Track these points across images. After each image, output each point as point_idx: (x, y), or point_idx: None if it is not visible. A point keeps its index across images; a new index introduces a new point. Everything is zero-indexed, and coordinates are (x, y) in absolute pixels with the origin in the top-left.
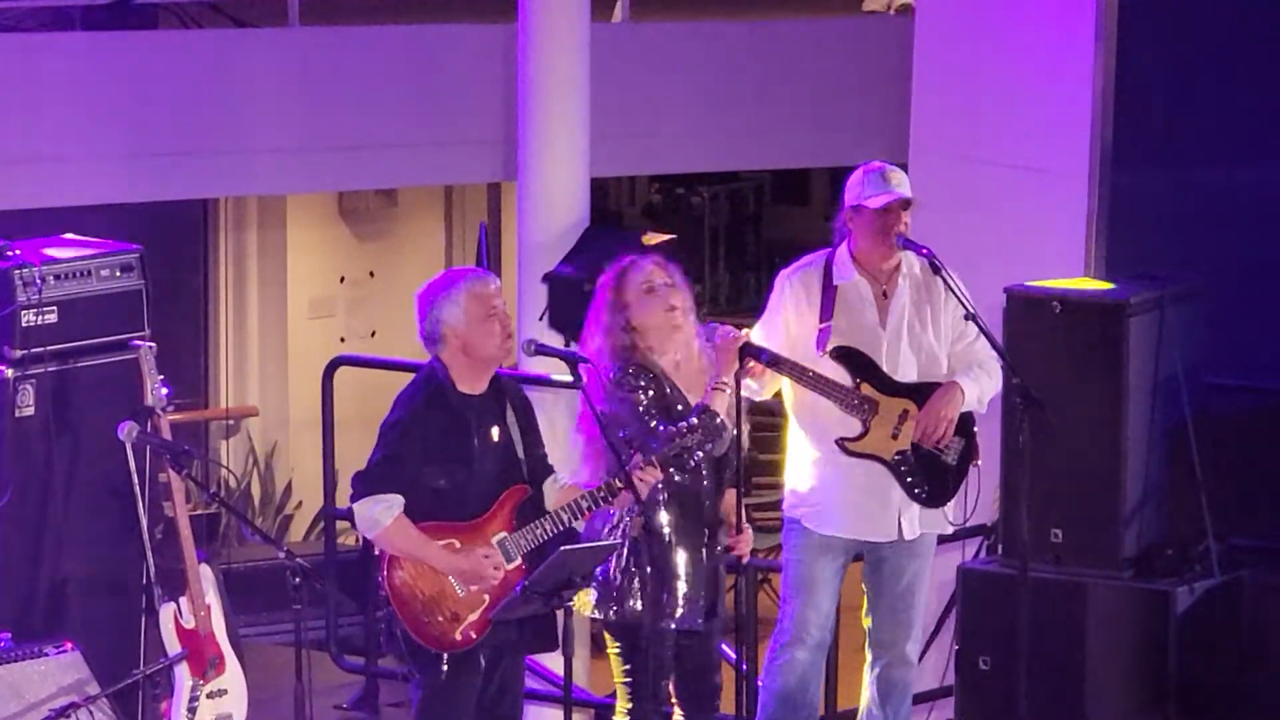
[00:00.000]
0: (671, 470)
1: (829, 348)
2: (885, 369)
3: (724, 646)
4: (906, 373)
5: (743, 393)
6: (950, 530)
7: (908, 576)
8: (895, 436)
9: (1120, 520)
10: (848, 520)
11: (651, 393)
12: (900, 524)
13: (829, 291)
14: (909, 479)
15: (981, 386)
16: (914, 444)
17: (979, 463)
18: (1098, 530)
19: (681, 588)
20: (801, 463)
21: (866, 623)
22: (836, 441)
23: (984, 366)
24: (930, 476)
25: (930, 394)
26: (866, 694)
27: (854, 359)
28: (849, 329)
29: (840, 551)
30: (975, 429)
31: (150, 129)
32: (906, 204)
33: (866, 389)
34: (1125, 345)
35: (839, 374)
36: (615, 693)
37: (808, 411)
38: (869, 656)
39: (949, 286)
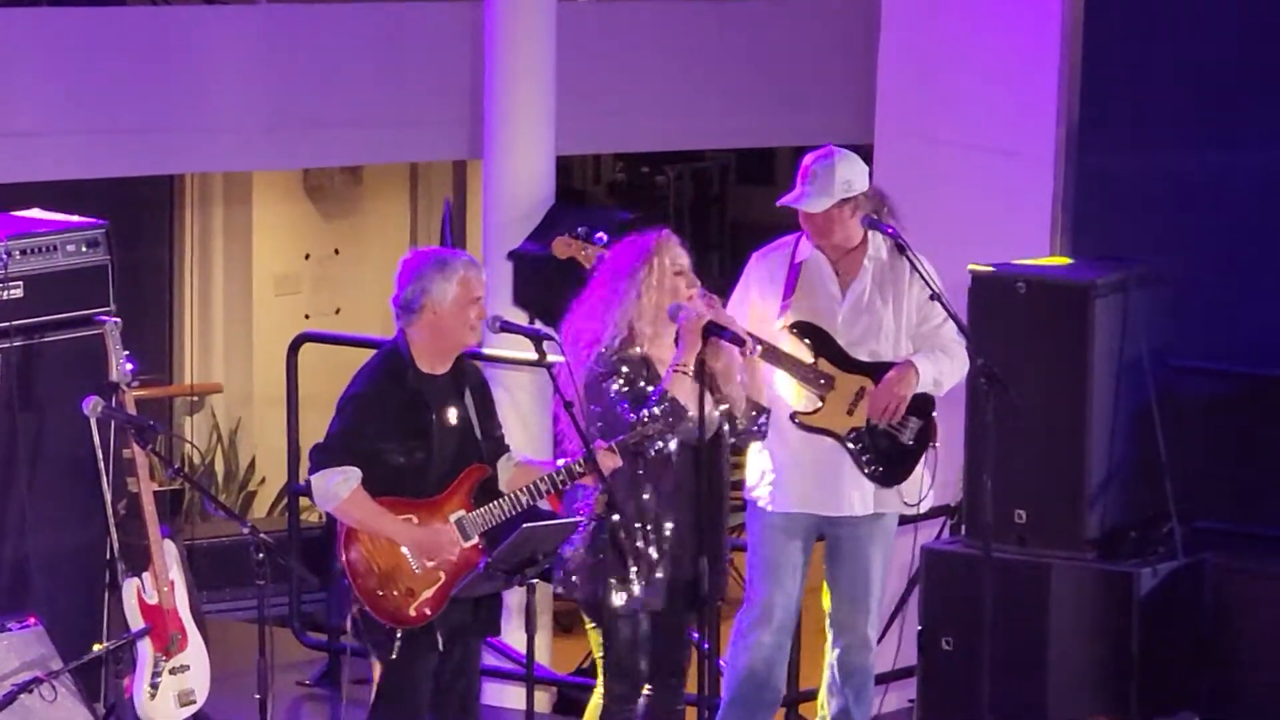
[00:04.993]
0: (636, 456)
1: (787, 322)
2: (841, 344)
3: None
4: (861, 351)
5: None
6: (906, 510)
7: (865, 558)
8: (851, 413)
9: (1084, 502)
10: (800, 496)
11: (627, 381)
12: (853, 499)
13: (793, 269)
14: (863, 456)
15: (940, 369)
16: (869, 422)
17: (936, 444)
18: (1061, 511)
19: (648, 567)
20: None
21: (826, 604)
22: (791, 416)
23: (947, 351)
24: (885, 455)
25: (886, 372)
26: (827, 675)
27: (812, 334)
28: (808, 303)
29: (801, 531)
30: (934, 412)
31: (117, 105)
32: (809, 214)
33: (824, 364)
34: (1090, 327)
35: (797, 349)
36: (577, 670)
37: (764, 390)
38: (829, 638)
39: (914, 266)
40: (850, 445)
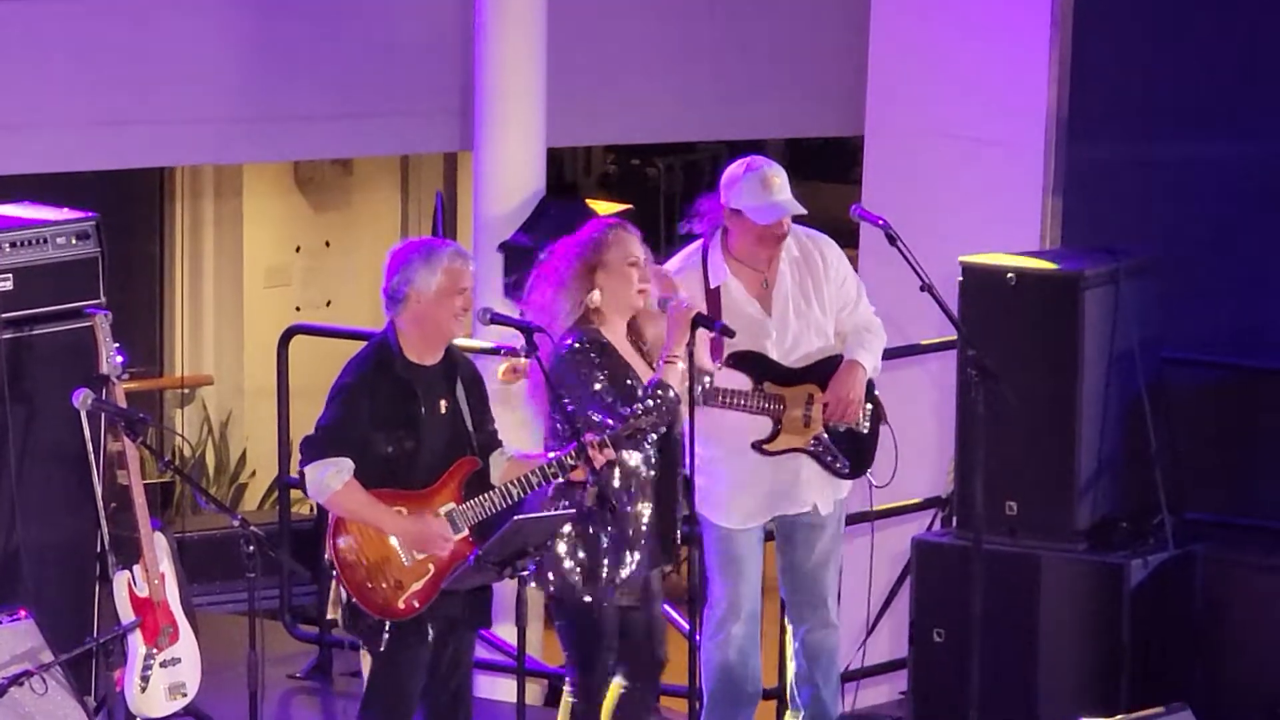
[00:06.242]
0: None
1: (724, 356)
2: (777, 357)
3: (677, 617)
4: (799, 355)
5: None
6: (844, 493)
7: (821, 545)
8: (807, 424)
9: (1075, 493)
10: (761, 508)
11: (606, 371)
12: (817, 499)
13: (710, 295)
14: (828, 458)
15: (875, 354)
16: (826, 425)
17: (888, 421)
18: (1052, 503)
19: (624, 560)
20: (706, 461)
21: (782, 593)
22: (753, 445)
23: (870, 328)
24: (848, 451)
25: (827, 371)
26: (793, 666)
27: (750, 361)
28: (737, 328)
29: (756, 530)
30: (876, 391)
31: (107, 97)
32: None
33: (770, 387)
34: (1080, 318)
35: (739, 380)
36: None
37: (709, 418)
38: (790, 627)
39: (904, 257)
40: (815, 453)
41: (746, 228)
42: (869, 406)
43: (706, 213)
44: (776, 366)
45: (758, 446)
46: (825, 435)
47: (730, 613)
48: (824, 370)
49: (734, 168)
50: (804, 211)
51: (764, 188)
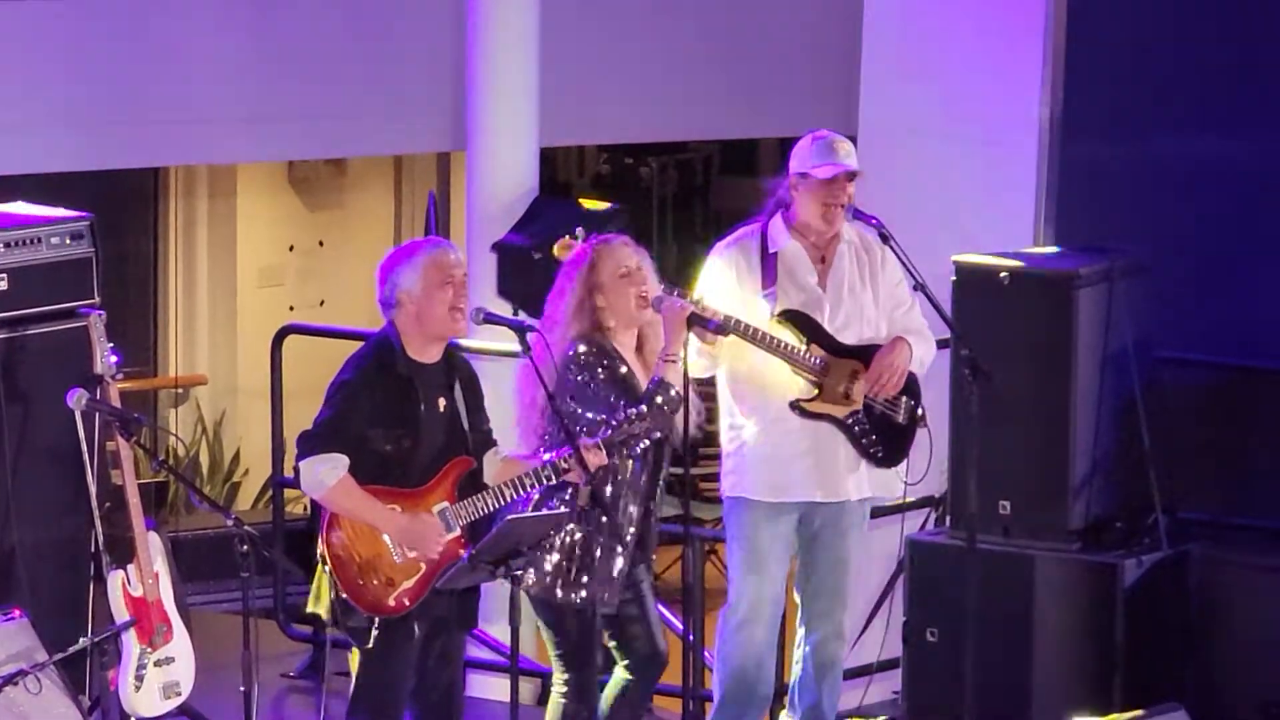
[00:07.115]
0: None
1: (775, 311)
2: (829, 330)
3: (671, 617)
4: (848, 336)
5: (692, 372)
6: (897, 493)
7: (845, 546)
8: (848, 396)
9: (1068, 493)
10: (797, 482)
11: (605, 374)
12: (849, 485)
13: (768, 259)
14: (863, 439)
15: (920, 349)
16: (867, 404)
17: (926, 424)
18: (1046, 502)
19: (613, 559)
20: (742, 437)
21: (797, 595)
22: (792, 404)
23: (919, 333)
24: (883, 436)
25: (874, 354)
26: (798, 671)
27: (800, 322)
28: (792, 293)
29: (788, 521)
30: (922, 410)
31: (101, 97)
32: (852, 176)
33: (816, 350)
34: (1074, 318)
35: (789, 336)
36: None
37: (752, 379)
38: (802, 630)
39: (898, 257)
40: (850, 429)
41: (810, 190)
42: (910, 402)
43: (771, 192)
44: (826, 335)
45: (796, 405)
46: (863, 414)
47: (752, 614)
48: (872, 354)
49: (802, 140)
50: (861, 170)
51: (830, 150)
